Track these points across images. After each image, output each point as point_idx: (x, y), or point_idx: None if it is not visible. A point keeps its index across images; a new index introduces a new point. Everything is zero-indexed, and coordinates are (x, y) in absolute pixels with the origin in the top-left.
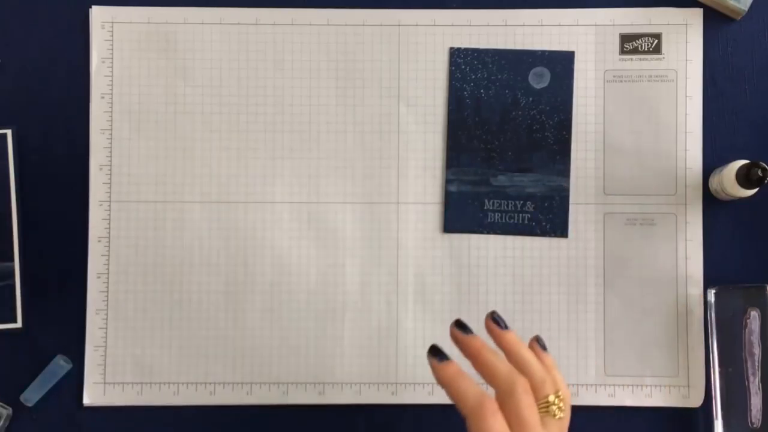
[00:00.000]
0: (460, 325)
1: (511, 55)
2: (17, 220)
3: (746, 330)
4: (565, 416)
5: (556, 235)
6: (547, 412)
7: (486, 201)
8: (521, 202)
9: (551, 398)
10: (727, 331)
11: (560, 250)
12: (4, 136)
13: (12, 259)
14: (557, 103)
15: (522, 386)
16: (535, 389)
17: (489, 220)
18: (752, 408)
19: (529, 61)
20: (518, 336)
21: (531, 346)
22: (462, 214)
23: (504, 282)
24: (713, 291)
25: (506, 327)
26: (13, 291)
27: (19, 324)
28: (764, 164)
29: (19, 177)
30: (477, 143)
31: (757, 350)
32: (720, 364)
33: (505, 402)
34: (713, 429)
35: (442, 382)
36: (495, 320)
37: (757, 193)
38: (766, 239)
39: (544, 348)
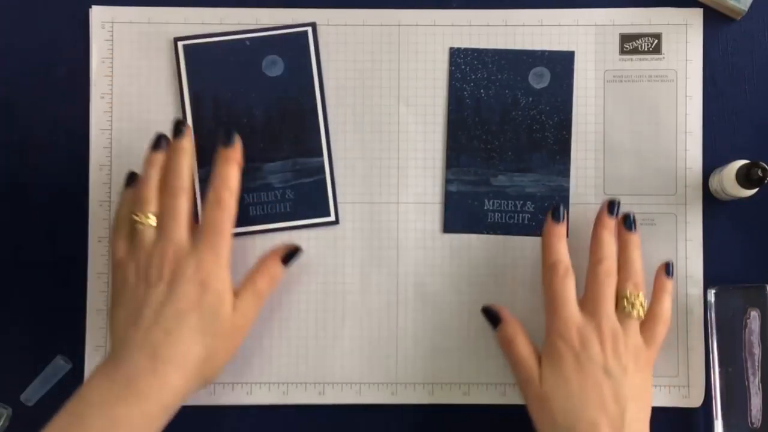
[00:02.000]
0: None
1: (511, 55)
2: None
3: (746, 330)
4: (650, 336)
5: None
6: (622, 308)
7: (486, 201)
8: (521, 202)
9: (627, 295)
10: (727, 331)
11: None
12: None
13: None
14: (557, 103)
15: (607, 267)
16: (619, 281)
17: (489, 220)
18: (752, 408)
19: (529, 61)
20: (638, 239)
21: (659, 270)
22: (462, 214)
23: (504, 282)
24: (713, 291)
25: (634, 229)
26: None
27: None
28: (764, 164)
29: (19, 178)
30: (477, 143)
31: (757, 350)
32: (720, 364)
33: (591, 272)
34: (713, 429)
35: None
36: (625, 222)
37: (757, 193)
38: (766, 239)
39: (669, 273)
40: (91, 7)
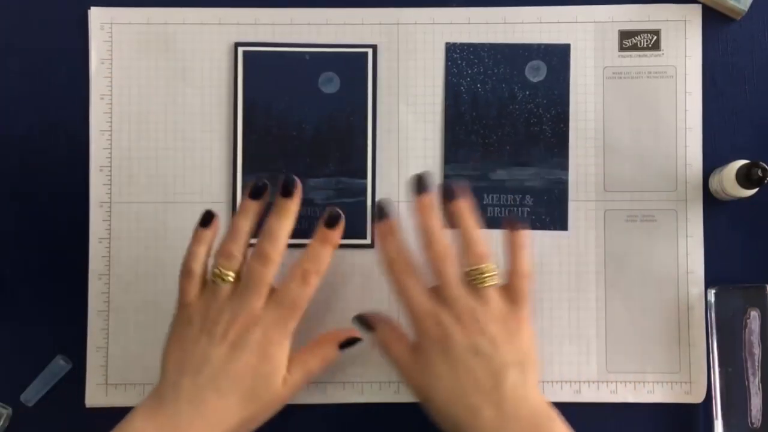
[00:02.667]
0: (446, 190)
1: (507, 50)
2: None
3: (746, 330)
4: (515, 295)
5: (555, 228)
6: (473, 280)
7: (485, 195)
8: (520, 196)
9: (474, 267)
10: (727, 331)
11: (561, 247)
12: None
13: None
14: (554, 96)
15: (434, 255)
16: (465, 256)
17: (488, 214)
18: (752, 408)
19: (525, 55)
20: (466, 204)
21: (504, 223)
22: None
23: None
24: (713, 291)
25: (456, 197)
26: None
27: None
28: (764, 164)
29: (19, 178)
30: (475, 138)
31: (757, 350)
32: (720, 364)
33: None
34: (713, 429)
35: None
36: (444, 192)
37: (757, 193)
38: (766, 239)
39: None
40: (90, 8)
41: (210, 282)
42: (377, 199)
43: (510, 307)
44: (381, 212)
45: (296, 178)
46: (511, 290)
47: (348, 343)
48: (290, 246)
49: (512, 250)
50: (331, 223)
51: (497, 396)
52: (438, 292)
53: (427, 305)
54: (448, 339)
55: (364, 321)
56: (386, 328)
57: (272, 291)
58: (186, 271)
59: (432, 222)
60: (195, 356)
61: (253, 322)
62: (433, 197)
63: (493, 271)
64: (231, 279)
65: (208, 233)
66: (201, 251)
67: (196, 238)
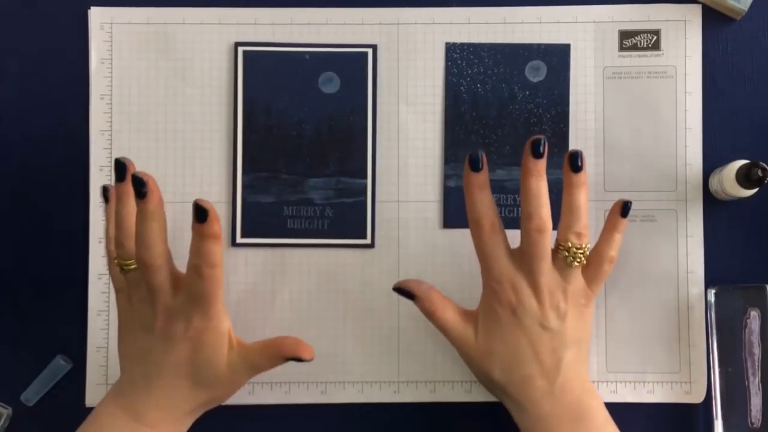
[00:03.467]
0: (535, 144)
1: (507, 50)
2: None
3: (746, 330)
4: (593, 277)
5: (555, 228)
6: (563, 258)
7: None
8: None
9: (567, 245)
10: (727, 331)
11: None
12: None
13: None
14: (554, 96)
15: (538, 223)
16: (561, 231)
17: None
18: (752, 408)
19: (525, 55)
20: (586, 181)
21: (614, 205)
22: (461, 208)
23: None
24: (713, 291)
25: (579, 170)
26: None
27: None
28: (764, 164)
29: (19, 178)
30: (475, 138)
31: (757, 350)
32: (720, 364)
33: (522, 230)
34: (713, 429)
35: (466, 190)
36: (570, 161)
37: (757, 193)
38: (766, 239)
39: (625, 213)
40: (90, 8)
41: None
42: (470, 152)
43: (586, 287)
44: (474, 163)
45: (145, 176)
46: (592, 270)
47: (295, 359)
48: (290, 246)
49: (609, 233)
50: (200, 218)
51: (555, 372)
52: (522, 258)
53: (509, 269)
54: (520, 306)
55: (404, 292)
56: (430, 296)
57: (180, 279)
58: (107, 256)
59: (538, 187)
60: (138, 345)
61: (173, 314)
62: (544, 164)
63: (587, 252)
64: (133, 266)
65: (109, 209)
66: (108, 230)
67: (106, 217)
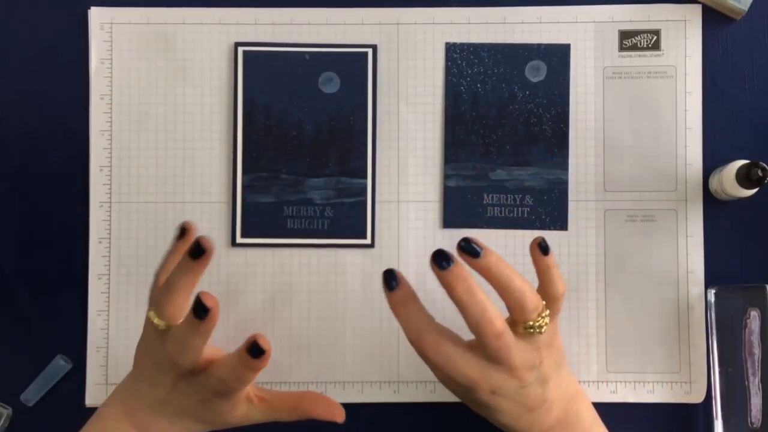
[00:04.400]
0: (437, 257)
1: (507, 49)
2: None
3: (746, 330)
4: (551, 316)
5: (555, 228)
6: (530, 333)
7: (485, 195)
8: (520, 195)
9: (533, 323)
10: (727, 331)
11: (561, 246)
12: None
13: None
14: (554, 96)
15: (491, 328)
16: (516, 312)
17: (488, 214)
18: (752, 408)
19: (525, 55)
20: (497, 257)
21: (532, 250)
22: (461, 209)
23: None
24: (713, 291)
25: (478, 253)
26: None
27: None
28: (764, 164)
29: (19, 178)
30: (475, 138)
31: (757, 350)
32: (720, 364)
33: (478, 340)
34: (713, 429)
35: (392, 308)
36: (465, 249)
37: (757, 193)
38: (766, 239)
39: (545, 251)
40: (90, 8)
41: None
42: (384, 270)
43: (549, 326)
44: (389, 282)
45: (210, 302)
46: (550, 311)
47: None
48: (290, 246)
49: (544, 275)
50: (254, 353)
51: (539, 405)
52: (487, 355)
53: (476, 370)
54: (499, 390)
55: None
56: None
57: (209, 363)
58: (154, 281)
59: (477, 295)
60: (149, 370)
61: (188, 383)
62: (459, 267)
63: (546, 313)
64: (162, 327)
65: (193, 266)
66: (168, 266)
67: (173, 251)
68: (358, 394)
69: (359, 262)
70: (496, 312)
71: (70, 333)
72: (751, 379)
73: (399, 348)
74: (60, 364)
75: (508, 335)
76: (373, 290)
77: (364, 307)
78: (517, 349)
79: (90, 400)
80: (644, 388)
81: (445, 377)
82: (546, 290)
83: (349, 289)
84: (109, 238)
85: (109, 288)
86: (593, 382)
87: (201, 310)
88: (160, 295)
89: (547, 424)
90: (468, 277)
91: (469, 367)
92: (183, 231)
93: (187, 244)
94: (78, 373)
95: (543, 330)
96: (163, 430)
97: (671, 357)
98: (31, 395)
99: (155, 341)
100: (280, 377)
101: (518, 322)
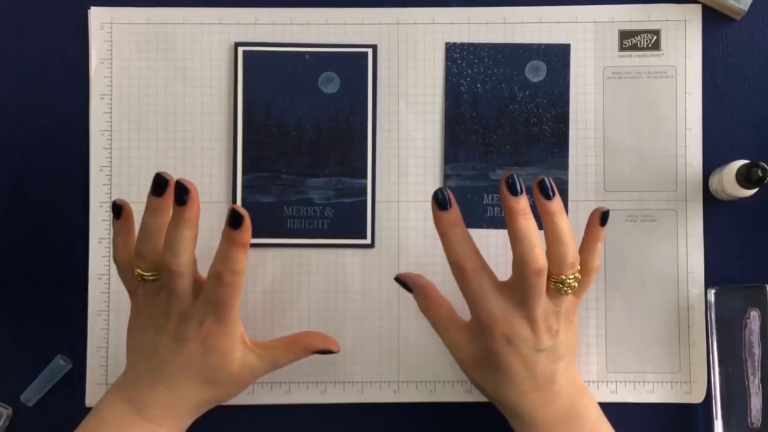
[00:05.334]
0: (510, 182)
1: (507, 49)
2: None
3: (746, 330)
4: (578, 295)
5: None
6: (558, 289)
7: (485, 195)
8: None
9: (563, 279)
10: (727, 331)
11: None
12: None
13: None
14: (554, 96)
15: (533, 265)
16: (554, 263)
17: (488, 214)
18: (752, 408)
19: (525, 55)
20: (561, 205)
21: (592, 216)
22: (461, 209)
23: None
24: (713, 291)
25: (552, 195)
26: None
27: None
28: (764, 164)
29: (19, 178)
30: (475, 138)
31: (757, 350)
32: (720, 364)
33: (515, 271)
34: (713, 429)
35: (440, 229)
36: (540, 188)
37: (757, 193)
38: (766, 239)
39: (604, 222)
40: (90, 8)
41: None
42: (436, 188)
43: (573, 298)
44: (441, 202)
45: (189, 185)
46: (580, 283)
47: (324, 352)
48: (290, 246)
49: (591, 243)
50: (234, 224)
51: (548, 383)
52: (515, 293)
53: (500, 308)
54: (515, 338)
55: (403, 282)
56: (426, 291)
57: (200, 285)
58: (116, 264)
59: (532, 230)
60: (145, 343)
61: (186, 317)
62: (526, 200)
63: (578, 277)
64: (151, 278)
65: (119, 224)
66: (117, 241)
67: (113, 230)
68: (358, 394)
69: (359, 262)
70: (543, 251)
71: (70, 333)
72: (751, 379)
73: (399, 348)
74: (60, 364)
75: (543, 279)
76: (373, 290)
77: (364, 307)
78: (542, 300)
79: (90, 400)
80: (644, 388)
81: (473, 308)
82: (585, 260)
83: (349, 289)
84: (109, 239)
85: (109, 288)
86: (593, 382)
87: (182, 193)
88: (140, 246)
89: (553, 411)
90: (531, 214)
91: (497, 303)
92: (160, 183)
93: (164, 200)
94: (78, 373)
95: (569, 291)
96: (162, 404)
97: (671, 357)
98: (31, 395)
99: (149, 297)
100: (280, 377)
101: (551, 276)
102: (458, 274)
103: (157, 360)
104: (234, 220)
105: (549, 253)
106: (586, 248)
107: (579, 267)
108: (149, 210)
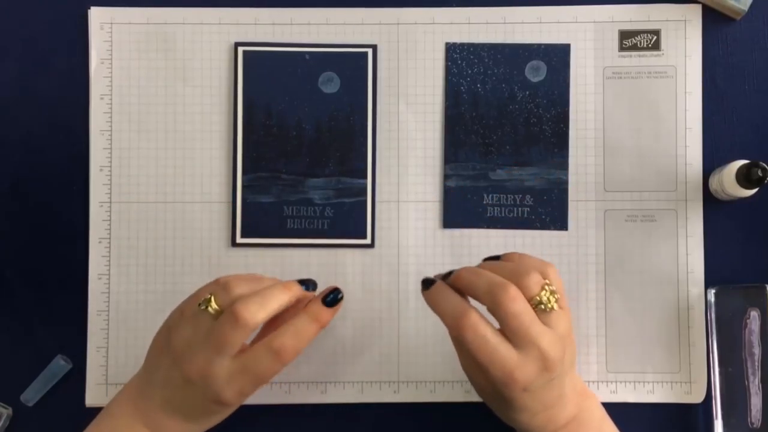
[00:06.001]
0: (424, 284)
1: (507, 49)
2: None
3: (746, 330)
4: (563, 305)
5: (555, 228)
6: (542, 310)
7: (485, 195)
8: (520, 195)
9: (540, 296)
10: (727, 331)
11: (561, 246)
12: None
13: None
14: (554, 96)
15: (505, 292)
16: (521, 290)
17: (488, 214)
18: (752, 408)
19: (525, 55)
20: (462, 269)
21: (505, 258)
22: (461, 209)
23: None
24: (713, 291)
25: (448, 275)
26: None
27: None
28: (764, 164)
29: (19, 178)
30: (475, 138)
31: (757, 350)
32: (720, 364)
33: (497, 315)
34: (713, 428)
35: (429, 304)
36: (425, 284)
37: (757, 193)
38: (766, 239)
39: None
40: (90, 8)
41: (198, 307)
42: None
43: (561, 311)
44: (425, 282)
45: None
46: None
47: (331, 299)
48: (290, 246)
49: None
50: (331, 302)
51: (556, 405)
52: (507, 324)
53: (512, 361)
54: (532, 386)
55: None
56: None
57: (242, 349)
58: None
59: (482, 274)
60: (163, 367)
61: (211, 375)
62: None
63: (553, 290)
64: (212, 312)
65: (298, 293)
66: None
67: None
68: (358, 394)
69: (359, 262)
70: (504, 279)
71: (70, 333)
72: (751, 379)
73: (399, 348)
74: (60, 364)
75: (524, 303)
76: (373, 290)
77: (364, 307)
78: (540, 326)
79: (90, 400)
80: (644, 388)
81: (476, 368)
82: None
83: (349, 289)
84: (109, 238)
85: (109, 288)
86: (593, 382)
87: (335, 300)
88: (232, 280)
89: (561, 422)
90: (464, 269)
91: (508, 356)
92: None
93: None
94: (78, 373)
95: (554, 304)
96: (174, 430)
97: (671, 357)
98: (31, 395)
99: (200, 326)
100: (280, 377)
101: (529, 301)
102: (461, 336)
103: (170, 391)
104: (332, 298)
105: (520, 284)
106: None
107: (544, 281)
108: (287, 288)
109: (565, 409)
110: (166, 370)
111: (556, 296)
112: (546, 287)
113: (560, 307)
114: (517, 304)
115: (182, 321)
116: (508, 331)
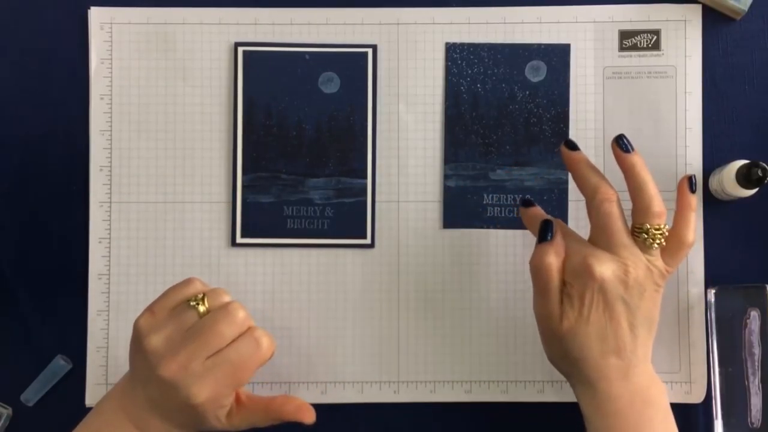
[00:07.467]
0: (568, 144)
1: (507, 50)
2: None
3: (746, 330)
4: (672, 258)
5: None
6: (638, 237)
7: (485, 195)
8: (520, 195)
9: (647, 227)
10: (727, 331)
11: None
12: None
13: None
14: (554, 96)
15: (603, 194)
16: (638, 213)
17: (488, 214)
18: (752, 408)
19: (525, 55)
20: (641, 159)
21: (680, 185)
22: (461, 209)
23: (505, 277)
24: (713, 291)
25: (631, 150)
26: None
27: None
28: (764, 164)
29: (19, 178)
30: (475, 138)
31: (757, 350)
32: (720, 364)
33: (591, 208)
34: (713, 428)
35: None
36: (619, 143)
37: (757, 193)
38: (766, 239)
39: (693, 189)
40: (90, 8)
41: (182, 307)
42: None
43: (664, 266)
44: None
45: None
46: (670, 254)
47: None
48: (290, 246)
49: (683, 213)
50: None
51: (629, 348)
52: (601, 237)
53: (630, 244)
54: (607, 283)
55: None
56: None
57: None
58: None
59: (590, 170)
60: (141, 367)
61: (188, 372)
62: (581, 155)
63: (665, 231)
64: (202, 310)
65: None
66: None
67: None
68: (358, 394)
69: (359, 262)
70: (610, 184)
71: (70, 333)
72: (751, 379)
73: (399, 348)
74: (60, 364)
75: (619, 210)
76: (373, 290)
77: (364, 307)
78: (626, 237)
79: (90, 400)
80: None
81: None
82: (677, 232)
83: (349, 289)
84: (109, 238)
85: (109, 288)
86: None
87: None
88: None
89: (630, 388)
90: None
91: (628, 241)
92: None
93: None
94: (78, 373)
95: (656, 243)
96: (158, 428)
97: (671, 357)
98: (31, 395)
99: (183, 323)
100: (280, 377)
101: (634, 226)
102: (601, 204)
103: (150, 391)
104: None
105: (634, 205)
106: (678, 219)
107: (664, 221)
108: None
109: (635, 373)
110: (145, 370)
111: (660, 240)
112: (660, 228)
113: (666, 263)
114: (610, 205)
115: (157, 320)
116: (599, 226)
